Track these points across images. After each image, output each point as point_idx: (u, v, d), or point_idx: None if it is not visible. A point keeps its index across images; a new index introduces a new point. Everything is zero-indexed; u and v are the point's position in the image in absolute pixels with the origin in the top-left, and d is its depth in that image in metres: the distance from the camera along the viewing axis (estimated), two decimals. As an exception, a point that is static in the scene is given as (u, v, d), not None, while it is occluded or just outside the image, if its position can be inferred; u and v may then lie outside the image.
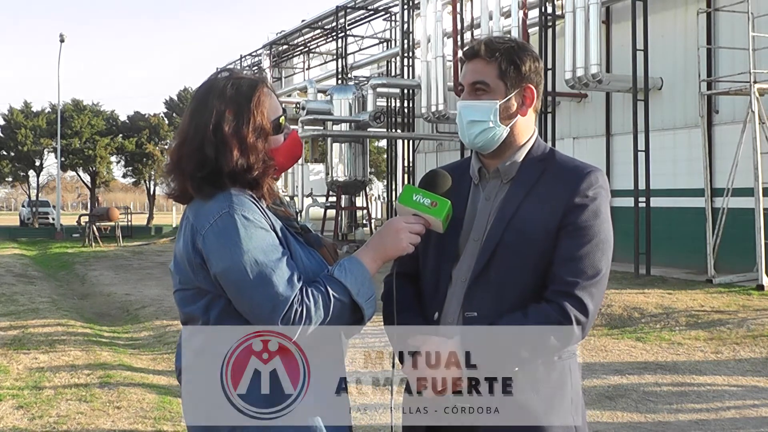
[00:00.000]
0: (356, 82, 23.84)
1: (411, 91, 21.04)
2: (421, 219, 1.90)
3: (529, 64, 1.99)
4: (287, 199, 2.06)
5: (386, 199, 24.89)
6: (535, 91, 2.01)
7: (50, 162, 43.92)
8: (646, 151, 13.37)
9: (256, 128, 1.88)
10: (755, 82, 11.59)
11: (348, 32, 24.25)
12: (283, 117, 1.96)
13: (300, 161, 21.55)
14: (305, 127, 20.78)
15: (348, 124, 20.43)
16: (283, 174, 2.07)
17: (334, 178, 20.63)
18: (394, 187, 23.29)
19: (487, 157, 2.05)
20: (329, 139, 20.70)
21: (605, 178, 1.99)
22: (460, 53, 15.84)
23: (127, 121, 45.61)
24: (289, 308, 1.75)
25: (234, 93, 1.89)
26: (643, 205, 13.28)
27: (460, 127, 2.03)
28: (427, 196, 1.91)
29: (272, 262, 1.77)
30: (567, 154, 2.10)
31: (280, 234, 1.86)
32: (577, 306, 1.87)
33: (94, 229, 26.23)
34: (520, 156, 2.02)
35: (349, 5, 23.65)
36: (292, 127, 2.03)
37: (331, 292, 1.80)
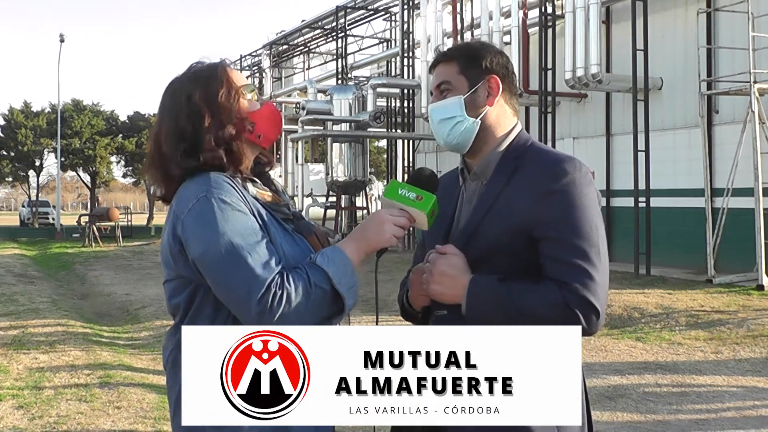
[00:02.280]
0: (356, 82, 23.83)
1: (411, 91, 21.05)
2: (406, 213, 1.90)
3: (489, 58, 2.00)
4: (281, 185, 2.05)
5: (386, 199, 24.85)
6: (500, 82, 1.99)
7: (50, 162, 44.00)
8: (646, 151, 13.37)
9: (228, 92, 1.90)
10: (755, 82, 11.59)
11: (348, 32, 24.24)
12: (252, 88, 1.98)
13: (300, 161, 21.55)
14: (305, 127, 20.79)
15: (348, 124, 20.42)
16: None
17: (334, 178, 20.62)
18: (394, 187, 23.25)
19: (468, 157, 2.05)
20: (329, 139, 20.69)
21: (578, 167, 1.85)
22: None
23: (127, 121, 45.66)
24: (266, 291, 1.72)
25: (197, 71, 1.94)
26: (643, 205, 13.28)
27: (433, 131, 2.05)
28: (412, 190, 1.90)
29: (249, 245, 1.75)
30: (547, 147, 2.05)
31: (259, 219, 1.84)
32: (583, 303, 1.78)
33: (94, 229, 26.24)
34: (497, 155, 1.99)
35: (349, 5, 23.64)
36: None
37: (312, 278, 1.78)
